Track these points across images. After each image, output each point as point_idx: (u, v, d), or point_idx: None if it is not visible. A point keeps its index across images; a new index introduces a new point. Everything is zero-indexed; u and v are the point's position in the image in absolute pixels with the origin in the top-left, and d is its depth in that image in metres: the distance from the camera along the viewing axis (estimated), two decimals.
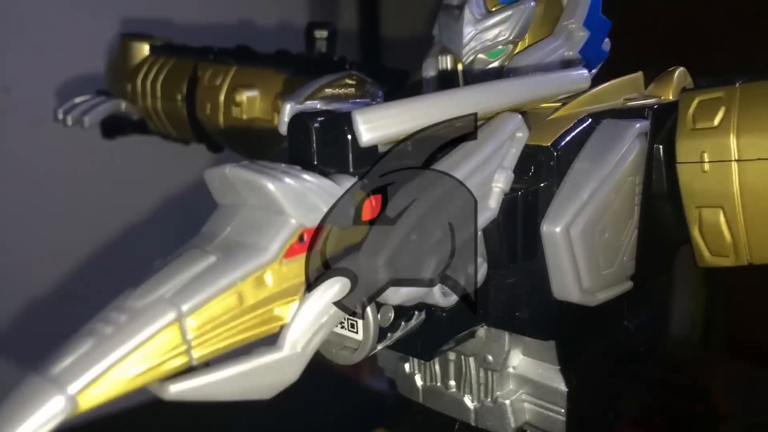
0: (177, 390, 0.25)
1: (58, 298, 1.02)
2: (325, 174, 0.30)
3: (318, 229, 0.29)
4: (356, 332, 0.34)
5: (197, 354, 0.25)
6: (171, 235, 1.08)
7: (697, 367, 0.97)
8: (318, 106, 0.40)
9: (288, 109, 0.38)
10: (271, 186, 0.27)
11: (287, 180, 0.28)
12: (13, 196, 0.97)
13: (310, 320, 0.28)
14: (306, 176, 0.29)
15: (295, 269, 0.28)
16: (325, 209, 0.29)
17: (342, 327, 0.35)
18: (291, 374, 0.28)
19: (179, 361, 0.25)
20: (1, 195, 0.96)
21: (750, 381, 0.92)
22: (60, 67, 0.95)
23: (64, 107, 0.70)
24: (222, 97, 0.60)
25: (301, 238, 0.28)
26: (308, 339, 0.28)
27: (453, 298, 0.33)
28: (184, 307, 0.25)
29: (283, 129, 0.36)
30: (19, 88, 0.95)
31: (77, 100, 0.70)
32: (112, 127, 0.73)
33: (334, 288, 0.29)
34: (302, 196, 0.28)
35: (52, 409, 0.22)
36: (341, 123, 0.32)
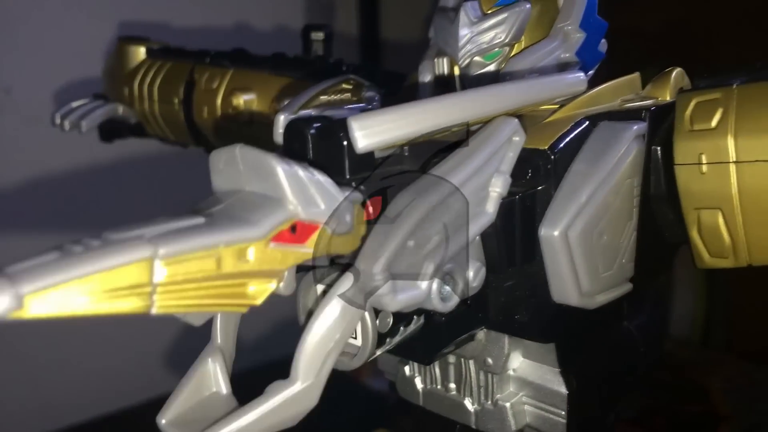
0: None
1: None
2: None
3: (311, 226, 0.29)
4: (355, 338, 0.34)
5: (159, 303, 0.24)
6: None
7: (697, 367, 0.97)
8: (312, 114, 0.40)
9: (282, 121, 0.38)
10: (278, 166, 0.27)
11: (295, 166, 0.28)
12: (12, 195, 0.97)
13: (316, 348, 0.29)
14: (314, 170, 0.29)
15: (279, 256, 0.28)
16: (323, 207, 0.29)
17: None
18: (310, 401, 0.29)
19: (138, 302, 0.24)
20: (1, 195, 0.96)
21: (750, 381, 0.92)
22: (60, 68, 0.95)
23: (62, 112, 0.70)
24: (219, 101, 0.60)
25: (293, 228, 0.28)
26: (319, 367, 0.29)
27: (451, 304, 0.33)
28: (161, 251, 0.24)
29: (279, 140, 0.36)
30: (19, 88, 0.95)
31: (74, 104, 0.71)
32: (110, 130, 0.73)
33: (335, 311, 0.29)
34: (304, 187, 0.28)
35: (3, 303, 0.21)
36: (337, 130, 0.32)
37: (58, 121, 0.69)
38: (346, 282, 0.29)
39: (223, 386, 0.32)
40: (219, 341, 0.33)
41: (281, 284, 0.29)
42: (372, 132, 0.31)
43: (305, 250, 0.29)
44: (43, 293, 0.22)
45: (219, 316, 0.33)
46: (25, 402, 1.01)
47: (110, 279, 0.23)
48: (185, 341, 1.15)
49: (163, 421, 0.30)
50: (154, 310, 0.24)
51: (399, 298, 0.30)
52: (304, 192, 0.28)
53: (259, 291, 0.27)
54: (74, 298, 0.22)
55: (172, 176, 1.02)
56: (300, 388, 0.28)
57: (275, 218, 0.27)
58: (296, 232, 0.28)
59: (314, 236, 0.29)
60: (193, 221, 0.26)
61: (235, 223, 0.26)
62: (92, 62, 0.79)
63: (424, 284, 0.31)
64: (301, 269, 0.34)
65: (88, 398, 1.05)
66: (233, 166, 0.29)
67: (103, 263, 0.23)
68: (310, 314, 0.33)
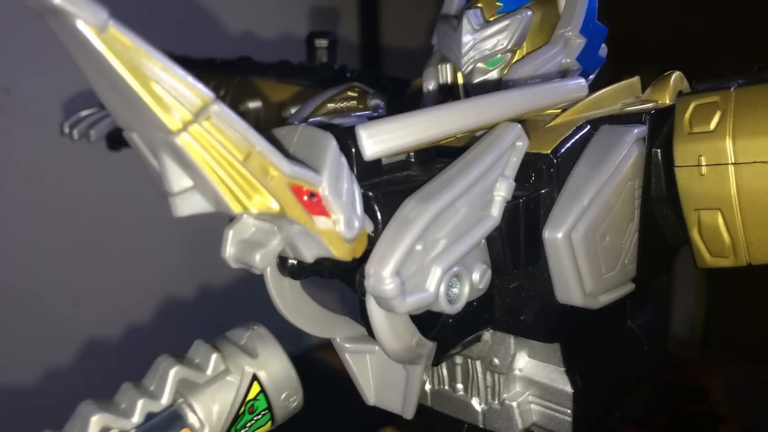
0: None
1: (58, 300, 1.02)
2: None
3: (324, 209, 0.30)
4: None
5: (186, 136, 0.26)
6: (176, 236, 1.09)
7: (697, 367, 0.98)
8: (321, 122, 0.41)
9: None
10: (332, 142, 0.30)
11: (344, 159, 0.31)
12: (12, 196, 0.97)
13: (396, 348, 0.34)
14: (357, 183, 0.31)
15: (289, 201, 0.29)
16: (344, 200, 0.30)
17: None
18: None
19: (174, 119, 0.26)
20: (1, 195, 0.96)
21: (750, 381, 0.92)
22: (60, 69, 0.95)
23: (70, 121, 0.71)
24: None
25: (312, 195, 0.29)
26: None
27: (459, 305, 0.34)
28: (216, 107, 0.26)
29: None
30: (19, 88, 0.96)
31: (83, 113, 0.71)
32: (118, 139, 0.73)
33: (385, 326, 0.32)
34: (340, 173, 0.30)
35: (93, 12, 0.23)
36: (345, 137, 0.32)
37: (66, 130, 0.70)
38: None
39: (370, 347, 0.39)
40: (337, 338, 0.40)
41: (258, 255, 0.31)
42: (380, 139, 0.31)
43: (310, 218, 0.30)
44: (123, 37, 0.24)
45: (294, 321, 0.37)
46: (25, 402, 1.01)
47: (173, 81, 0.25)
48: (185, 342, 1.15)
49: (373, 401, 0.39)
50: (178, 139, 0.26)
51: (408, 300, 0.31)
52: (338, 177, 0.30)
53: (261, 204, 0.28)
54: (138, 65, 0.25)
55: None
56: None
57: (306, 172, 0.29)
58: (313, 200, 0.29)
59: (322, 218, 0.30)
60: (248, 122, 0.28)
61: (276, 149, 0.29)
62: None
63: (432, 287, 0.31)
64: (304, 275, 0.35)
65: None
66: (286, 141, 0.31)
67: (178, 70, 0.25)
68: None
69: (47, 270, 1.01)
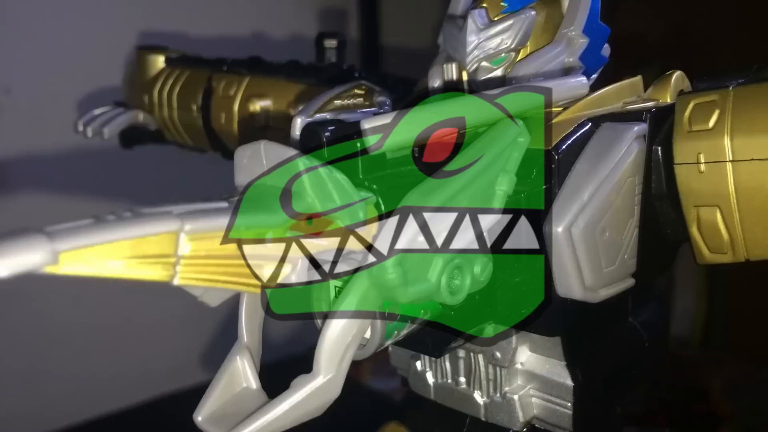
0: None
1: (58, 300, 1.03)
2: None
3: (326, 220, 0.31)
4: None
5: (182, 274, 0.26)
6: None
7: (697, 367, 0.98)
8: (327, 117, 0.42)
9: (299, 124, 0.39)
10: (300, 161, 0.29)
11: (315, 162, 0.30)
12: (13, 196, 0.98)
13: (336, 342, 0.31)
14: (335, 169, 0.31)
15: (295, 245, 0.30)
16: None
17: None
18: (333, 393, 0.31)
19: (162, 271, 0.26)
20: (1, 195, 0.97)
21: (750, 381, 0.92)
22: (60, 69, 0.96)
23: (84, 119, 0.72)
24: (236, 107, 0.62)
25: (309, 220, 0.30)
26: (339, 360, 0.31)
27: (460, 297, 0.34)
28: (187, 226, 0.26)
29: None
30: (19, 88, 0.97)
31: (96, 111, 0.73)
32: (131, 137, 0.75)
33: (351, 306, 0.31)
34: (323, 182, 0.30)
35: (34, 254, 0.23)
36: (350, 132, 0.33)
37: (81, 128, 0.71)
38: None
39: (252, 381, 0.34)
40: (245, 339, 0.35)
41: (293, 274, 0.31)
42: (384, 134, 0.32)
43: (320, 242, 0.30)
44: (76, 252, 0.23)
45: (243, 315, 0.35)
46: (25, 402, 1.02)
47: (138, 246, 0.25)
48: (185, 342, 1.16)
49: (200, 419, 0.33)
50: (176, 281, 0.26)
51: (410, 290, 0.31)
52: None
53: (274, 274, 0.29)
54: (104, 260, 0.24)
55: (172, 176, 1.03)
56: (323, 382, 0.30)
57: (294, 208, 0.29)
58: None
59: (329, 230, 0.30)
60: (216, 204, 0.28)
61: (257, 209, 0.28)
62: (112, 72, 0.81)
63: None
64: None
65: (88, 398, 1.05)
66: (257, 160, 0.31)
67: (134, 231, 0.25)
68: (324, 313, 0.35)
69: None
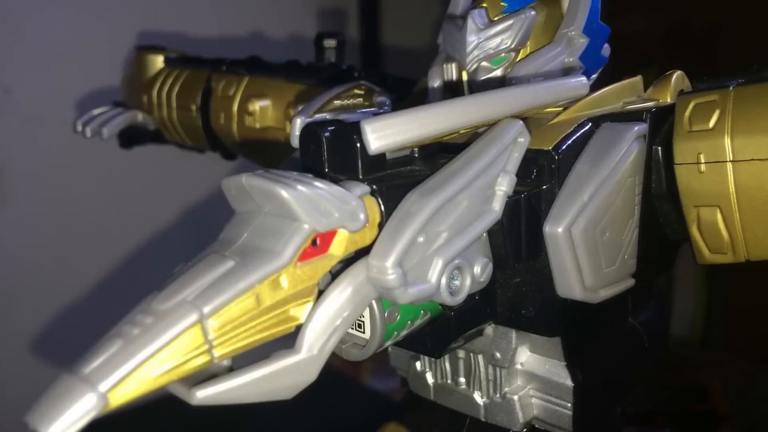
0: (203, 395, 0.27)
1: (58, 300, 1.03)
2: (335, 181, 0.32)
3: (330, 233, 0.31)
4: (363, 332, 0.36)
5: (218, 353, 0.27)
6: (183, 239, 1.10)
7: (697, 367, 0.98)
8: (327, 118, 0.42)
9: (298, 124, 0.39)
10: (285, 194, 0.29)
11: (300, 187, 0.29)
12: (13, 196, 0.98)
13: (325, 322, 0.30)
14: (318, 183, 0.30)
15: (309, 272, 0.30)
16: (337, 215, 0.30)
17: (350, 327, 0.36)
18: (309, 375, 0.30)
19: (202, 360, 0.27)
20: (1, 195, 0.98)
21: (750, 381, 0.92)
22: (60, 69, 0.96)
23: (83, 119, 0.72)
24: (235, 107, 0.62)
25: (314, 242, 0.30)
26: (324, 341, 0.30)
27: (460, 297, 0.34)
28: (206, 309, 0.27)
29: (295, 143, 0.38)
30: (19, 88, 0.97)
31: (95, 111, 0.73)
32: (130, 137, 0.75)
33: (347, 291, 0.31)
34: (315, 203, 0.30)
35: (85, 406, 0.24)
36: (350, 132, 0.33)
37: (79, 128, 0.71)
38: (360, 266, 0.31)
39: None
40: None
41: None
42: (384, 134, 0.32)
43: (330, 257, 0.30)
44: (121, 385, 0.25)
45: None
46: (25, 402, 1.02)
47: (171, 352, 0.26)
48: None
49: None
50: (216, 360, 0.27)
51: (410, 291, 0.31)
52: (316, 207, 0.30)
53: (300, 311, 0.29)
54: (147, 379, 0.25)
55: (171, 176, 1.03)
56: (302, 358, 0.30)
57: (296, 241, 0.29)
58: (318, 244, 0.30)
59: (335, 241, 0.30)
60: (223, 267, 0.28)
61: (261, 257, 0.29)
62: (111, 72, 0.81)
63: (433, 278, 0.32)
64: None
65: None
66: (244, 192, 0.31)
67: (161, 340, 0.26)
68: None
69: (47, 270, 1.02)
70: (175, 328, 0.26)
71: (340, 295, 0.31)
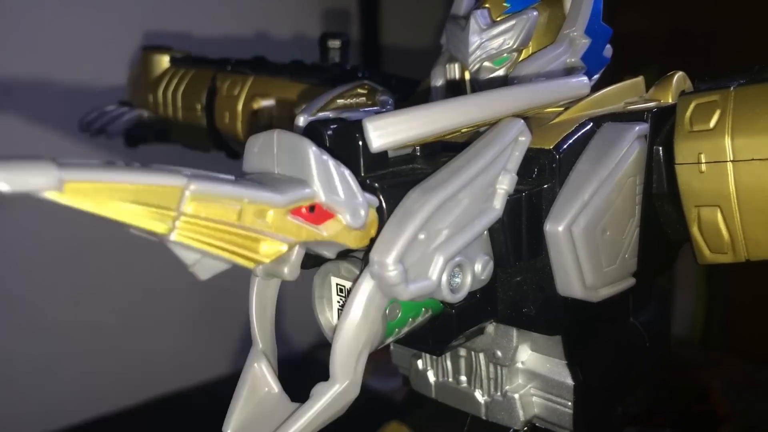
0: None
1: (58, 300, 1.03)
2: None
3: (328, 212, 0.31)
4: None
5: (179, 231, 0.27)
6: None
7: (697, 367, 0.98)
8: (329, 116, 0.42)
9: (301, 122, 0.40)
10: (310, 149, 0.30)
11: (325, 157, 0.31)
12: (12, 196, 0.99)
13: (348, 350, 0.32)
14: (343, 167, 0.31)
15: (294, 228, 0.30)
16: (342, 198, 0.31)
17: None
18: (352, 394, 0.32)
19: (161, 224, 0.26)
20: (1, 195, 0.98)
21: (750, 381, 0.92)
22: (60, 69, 0.96)
23: (89, 117, 0.72)
24: (240, 106, 0.63)
25: (311, 209, 0.30)
26: (354, 365, 0.32)
27: (461, 295, 0.35)
28: (193, 186, 0.27)
29: None
30: (19, 88, 0.97)
31: (102, 110, 0.73)
32: (135, 136, 0.75)
33: (357, 315, 0.32)
34: (329, 174, 0.31)
35: (41, 176, 0.23)
36: (353, 130, 0.34)
37: (85, 126, 0.72)
38: (365, 285, 0.31)
39: (273, 385, 0.35)
40: (261, 345, 0.36)
41: (286, 269, 0.31)
42: (386, 132, 0.32)
43: (318, 231, 0.31)
44: (82, 184, 0.24)
45: (254, 320, 0.36)
46: (25, 402, 1.02)
47: (143, 193, 0.25)
48: (185, 342, 1.17)
49: (230, 431, 0.34)
50: (173, 237, 0.27)
51: (411, 288, 0.32)
52: (329, 179, 0.30)
53: (271, 251, 0.29)
54: (106, 199, 0.25)
55: None
56: (341, 388, 0.32)
57: (298, 193, 0.30)
58: (314, 212, 0.30)
59: (329, 223, 0.31)
60: (225, 176, 0.29)
61: (262, 187, 0.29)
62: (118, 71, 0.82)
63: (434, 275, 0.32)
64: (311, 264, 0.36)
65: (88, 398, 1.06)
66: (268, 148, 0.31)
67: (141, 178, 0.25)
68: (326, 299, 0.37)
69: (48, 270, 1.02)
70: (158, 178, 0.26)
71: (353, 321, 0.32)
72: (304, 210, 0.30)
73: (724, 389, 0.90)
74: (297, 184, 0.30)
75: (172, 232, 0.26)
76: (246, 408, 0.34)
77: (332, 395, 0.32)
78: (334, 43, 0.65)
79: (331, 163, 0.31)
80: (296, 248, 0.32)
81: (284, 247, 0.29)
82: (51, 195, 0.23)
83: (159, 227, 0.26)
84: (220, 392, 1.24)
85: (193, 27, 1.05)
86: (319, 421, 0.32)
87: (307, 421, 0.31)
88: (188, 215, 0.27)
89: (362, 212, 0.32)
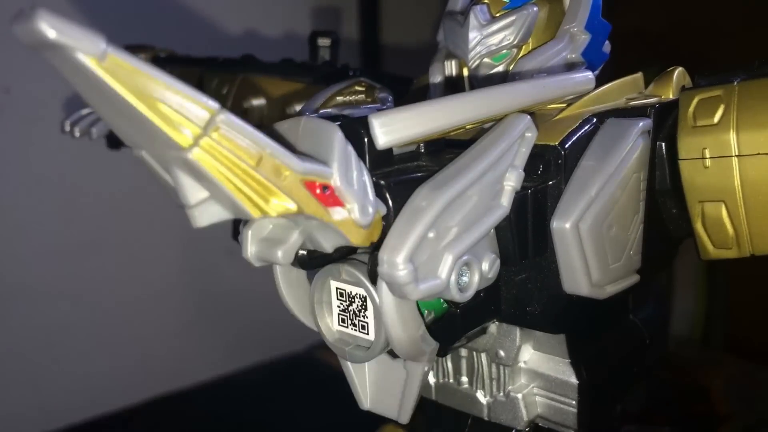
0: None
1: (58, 300, 1.02)
2: None
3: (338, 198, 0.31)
4: (367, 333, 0.35)
5: (198, 150, 0.26)
6: (176, 235, 1.09)
7: (697, 367, 0.98)
8: (332, 113, 0.41)
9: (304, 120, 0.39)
10: (338, 132, 0.30)
11: (350, 147, 0.31)
12: (13, 196, 0.97)
13: (409, 348, 0.34)
14: (364, 165, 0.32)
15: (304, 197, 0.29)
16: (355, 189, 0.30)
17: (353, 328, 0.36)
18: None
19: (185, 135, 0.26)
20: (1, 195, 0.96)
21: (750, 381, 0.92)
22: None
23: (71, 119, 0.71)
24: (229, 106, 0.61)
25: (324, 188, 0.30)
26: (420, 345, 0.35)
27: (469, 294, 0.34)
28: (223, 115, 0.26)
29: None
30: (19, 88, 0.96)
31: (84, 111, 0.71)
32: (118, 138, 0.73)
33: (395, 325, 0.33)
34: (348, 163, 0.30)
35: (89, 39, 0.23)
36: (358, 127, 0.33)
37: (67, 128, 0.70)
38: (386, 297, 0.32)
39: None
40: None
41: (280, 252, 0.31)
42: (392, 129, 0.32)
43: (324, 211, 0.30)
44: (123, 63, 0.24)
45: (293, 311, 0.38)
46: (25, 402, 1.01)
47: (176, 97, 0.25)
48: (185, 342, 1.16)
49: (368, 405, 0.39)
50: (193, 153, 0.26)
51: (421, 287, 0.31)
52: (348, 167, 0.30)
53: (280, 206, 0.29)
54: (141, 87, 0.24)
55: None
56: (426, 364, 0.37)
57: (317, 167, 0.29)
58: (327, 193, 0.30)
59: (338, 208, 0.30)
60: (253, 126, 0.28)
61: (286, 149, 0.29)
62: None
63: (444, 274, 0.32)
64: (312, 265, 0.35)
65: (88, 398, 1.05)
66: (292, 133, 0.32)
67: (180, 86, 0.25)
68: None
69: (47, 270, 1.01)
70: (196, 93, 0.26)
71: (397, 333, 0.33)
72: (318, 188, 0.30)
73: (724, 389, 0.90)
74: (317, 161, 0.30)
75: (193, 147, 0.26)
76: (362, 380, 0.39)
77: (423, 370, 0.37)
78: (324, 42, 0.64)
79: (353, 155, 0.30)
80: (295, 233, 0.31)
81: (292, 206, 0.29)
82: (92, 62, 0.23)
83: (182, 139, 0.26)
84: (220, 393, 1.22)
85: (181, 25, 1.03)
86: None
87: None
88: (211, 139, 0.26)
89: (371, 210, 0.31)
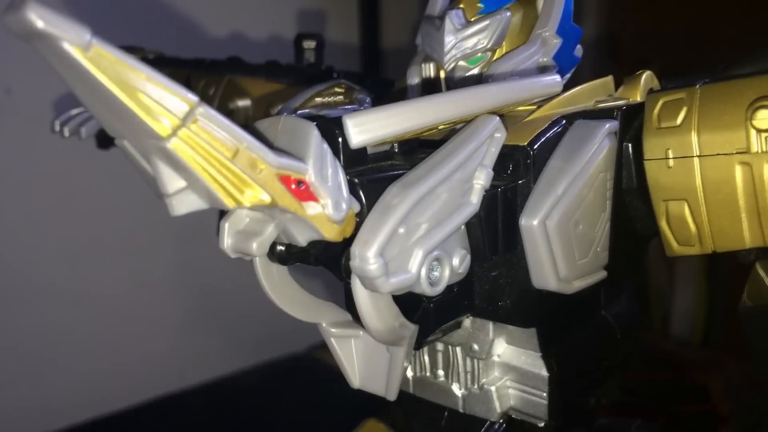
0: None
1: (58, 300, 1.02)
2: None
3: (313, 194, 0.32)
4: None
5: (176, 140, 0.27)
6: (174, 235, 1.10)
7: (697, 367, 0.98)
8: (309, 113, 0.43)
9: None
10: (314, 131, 0.31)
11: (326, 145, 0.32)
12: (13, 196, 0.97)
13: (386, 333, 0.36)
14: (339, 164, 0.33)
15: (279, 191, 0.31)
16: (329, 185, 0.32)
17: None
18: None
19: (164, 125, 0.27)
20: (1, 194, 0.96)
21: (750, 381, 0.92)
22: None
23: (61, 119, 0.72)
24: (215, 107, 0.62)
25: (299, 183, 0.31)
26: (398, 330, 0.36)
27: (440, 288, 0.35)
28: (203, 109, 0.27)
29: None
30: (19, 88, 0.96)
31: (73, 111, 0.72)
32: (107, 138, 0.74)
33: (371, 312, 0.34)
34: (324, 160, 0.32)
35: (75, 30, 0.24)
36: (332, 127, 0.34)
37: (57, 128, 0.71)
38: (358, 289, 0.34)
39: (357, 335, 0.41)
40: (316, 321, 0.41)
41: (255, 244, 0.33)
42: (365, 129, 0.33)
43: (298, 207, 0.31)
44: (107, 54, 0.25)
45: (278, 304, 0.39)
46: (25, 402, 1.01)
47: (157, 88, 0.26)
48: (185, 342, 1.16)
49: (358, 384, 0.41)
50: (171, 143, 0.27)
51: (391, 281, 0.32)
52: (323, 164, 0.31)
53: (254, 198, 0.30)
54: (124, 78, 0.25)
55: None
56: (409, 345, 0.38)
57: (292, 162, 0.31)
58: (301, 188, 0.31)
59: (312, 203, 0.31)
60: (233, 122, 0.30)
61: (262, 144, 0.30)
62: None
63: (414, 268, 0.33)
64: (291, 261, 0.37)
65: (88, 398, 1.05)
66: (271, 130, 0.33)
67: (162, 78, 0.26)
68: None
69: (47, 270, 1.01)
70: (174, 86, 0.27)
71: (371, 320, 0.35)
72: (293, 183, 0.31)
73: (724, 389, 0.90)
74: (293, 157, 0.31)
75: (171, 137, 0.27)
76: (350, 362, 0.41)
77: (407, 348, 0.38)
78: (309, 44, 0.65)
79: (329, 153, 0.32)
80: (270, 226, 0.33)
81: (266, 197, 0.30)
82: (77, 52, 0.24)
83: (161, 128, 0.27)
84: (220, 393, 1.22)
85: (167, 27, 1.04)
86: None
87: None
88: (190, 130, 0.27)
89: (344, 206, 0.32)
